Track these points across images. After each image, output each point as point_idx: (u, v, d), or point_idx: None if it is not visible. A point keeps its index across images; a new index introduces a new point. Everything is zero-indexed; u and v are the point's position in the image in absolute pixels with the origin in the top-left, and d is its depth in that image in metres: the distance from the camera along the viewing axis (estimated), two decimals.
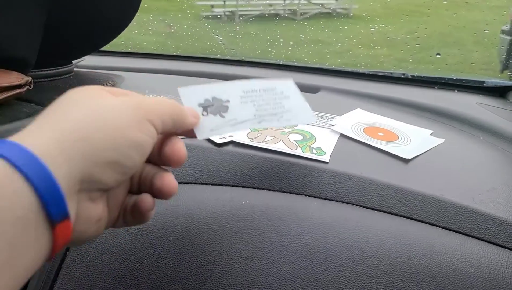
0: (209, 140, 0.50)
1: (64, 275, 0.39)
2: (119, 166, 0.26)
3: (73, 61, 0.75)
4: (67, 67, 0.72)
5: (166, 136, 0.31)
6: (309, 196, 0.45)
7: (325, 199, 0.45)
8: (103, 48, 0.77)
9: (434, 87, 0.87)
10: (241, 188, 0.46)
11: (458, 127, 0.70)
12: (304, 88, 0.82)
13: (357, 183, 0.46)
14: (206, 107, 0.38)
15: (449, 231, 0.42)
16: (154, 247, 0.40)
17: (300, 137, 0.54)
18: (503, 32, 1.01)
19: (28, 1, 0.55)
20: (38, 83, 0.63)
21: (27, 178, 0.21)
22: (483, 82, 0.86)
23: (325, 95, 0.81)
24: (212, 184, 0.46)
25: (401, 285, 0.36)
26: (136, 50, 1.14)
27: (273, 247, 0.39)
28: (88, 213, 0.26)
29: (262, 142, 0.51)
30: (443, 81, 0.88)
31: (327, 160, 0.49)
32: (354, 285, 0.37)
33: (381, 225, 0.42)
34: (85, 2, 0.65)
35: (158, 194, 0.30)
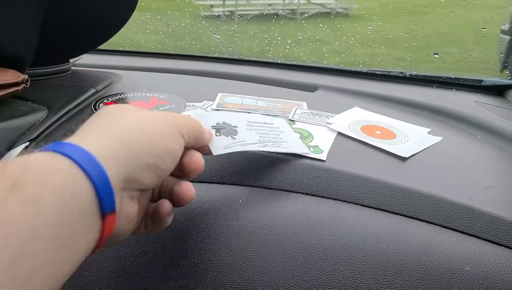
0: None
1: None
2: (157, 169, 0.30)
3: (71, 60, 0.75)
4: (64, 65, 0.72)
5: (185, 149, 0.34)
6: (306, 194, 0.45)
7: (322, 197, 0.45)
8: (100, 47, 0.77)
9: (432, 86, 0.87)
10: (237, 186, 0.46)
11: (455, 126, 0.70)
12: (302, 87, 0.83)
13: (354, 181, 0.46)
14: (218, 129, 0.44)
15: (446, 229, 0.42)
16: (150, 245, 0.40)
17: (297, 135, 0.54)
18: (502, 31, 1.01)
19: (24, 0, 0.55)
20: (35, 81, 0.63)
21: (88, 175, 0.24)
22: (481, 80, 0.86)
23: (323, 93, 0.81)
24: (208, 182, 0.46)
25: (398, 283, 0.36)
26: (134, 49, 1.14)
27: (269, 245, 0.39)
28: (127, 210, 0.29)
29: None
30: (441, 79, 0.88)
31: (324, 158, 0.49)
32: (351, 283, 0.36)
33: (378, 223, 0.41)
34: (83, 1, 0.64)
35: (178, 200, 0.34)
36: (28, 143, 0.50)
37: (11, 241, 0.20)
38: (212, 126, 0.44)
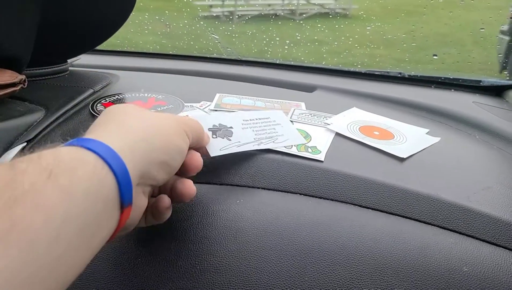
0: None
1: None
2: (168, 166, 0.33)
3: (68, 60, 0.74)
4: (62, 66, 0.72)
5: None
6: (303, 195, 0.45)
7: (320, 197, 0.44)
8: (98, 47, 0.77)
9: (431, 86, 0.87)
10: (235, 187, 0.45)
11: (454, 126, 0.70)
12: (300, 87, 0.83)
13: (352, 182, 0.46)
14: (215, 131, 0.47)
15: (444, 229, 0.42)
16: (147, 246, 0.39)
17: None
18: (502, 32, 1.01)
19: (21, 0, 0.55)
20: (32, 81, 0.63)
21: (111, 169, 0.26)
22: (480, 81, 0.86)
23: (321, 94, 0.81)
24: (206, 183, 0.46)
25: (396, 284, 0.36)
26: (132, 49, 1.14)
27: (267, 246, 0.39)
28: (139, 204, 0.32)
29: None
30: (439, 80, 0.88)
31: (322, 159, 0.49)
32: (348, 284, 0.36)
33: (375, 224, 0.41)
34: (81, 1, 0.64)
35: (179, 196, 0.36)
36: (25, 143, 0.50)
37: (49, 225, 0.22)
38: (208, 129, 0.46)
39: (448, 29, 1.11)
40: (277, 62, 1.02)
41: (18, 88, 0.56)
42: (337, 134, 0.56)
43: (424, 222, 0.42)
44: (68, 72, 0.73)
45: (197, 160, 0.37)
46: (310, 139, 0.53)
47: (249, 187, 0.45)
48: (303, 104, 0.67)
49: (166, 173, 0.33)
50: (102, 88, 0.67)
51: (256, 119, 0.53)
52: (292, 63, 1.01)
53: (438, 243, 0.40)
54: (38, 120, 0.54)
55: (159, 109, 0.59)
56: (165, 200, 0.36)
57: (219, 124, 0.48)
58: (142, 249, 0.39)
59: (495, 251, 0.40)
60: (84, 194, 0.24)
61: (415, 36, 1.04)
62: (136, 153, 0.29)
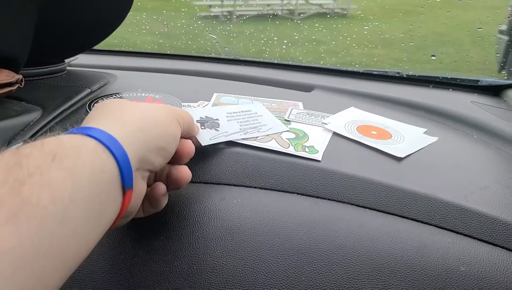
0: None
1: None
2: (164, 152, 0.35)
3: (66, 60, 0.74)
4: (59, 65, 0.71)
5: None
6: (301, 194, 0.45)
7: (317, 197, 0.44)
8: (96, 47, 0.76)
9: (429, 86, 0.87)
10: (232, 186, 0.45)
11: (452, 126, 0.70)
12: (298, 87, 0.83)
13: (349, 182, 0.45)
14: (202, 122, 0.50)
15: (441, 229, 0.42)
16: (144, 246, 0.39)
17: (292, 136, 0.54)
18: (500, 31, 1.01)
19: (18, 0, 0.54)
20: (29, 81, 0.63)
21: (112, 153, 0.28)
22: (478, 81, 0.86)
23: (319, 93, 0.80)
24: (203, 183, 0.46)
25: (393, 283, 0.36)
26: (130, 49, 1.14)
27: (264, 245, 0.39)
28: (139, 189, 0.33)
29: (255, 140, 0.51)
30: (437, 80, 0.88)
31: (320, 159, 0.49)
32: (345, 284, 0.36)
33: (373, 224, 0.41)
34: (78, 1, 0.64)
35: (175, 182, 0.38)
36: (22, 143, 0.50)
37: (57, 204, 0.23)
38: (196, 120, 0.48)
39: (446, 29, 1.12)
40: (275, 61, 1.01)
41: (15, 87, 0.56)
42: (335, 133, 0.56)
43: (422, 222, 0.42)
44: (65, 71, 0.73)
45: (190, 146, 0.39)
46: (308, 139, 0.53)
47: (246, 186, 0.45)
48: (300, 104, 0.67)
49: (163, 158, 0.35)
50: (99, 88, 0.67)
51: (239, 112, 0.56)
52: (290, 62, 1.01)
53: (436, 242, 0.40)
54: (35, 120, 0.54)
55: None
56: (161, 187, 0.37)
57: (206, 116, 0.51)
58: (138, 249, 0.39)
59: (493, 251, 0.40)
60: (88, 176, 0.25)
61: (413, 36, 1.04)
62: (134, 140, 0.31)
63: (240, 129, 0.52)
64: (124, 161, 0.29)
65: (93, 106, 0.58)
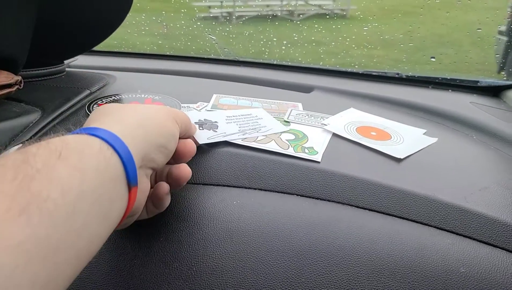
0: None
1: None
2: (165, 149, 0.36)
3: (65, 61, 0.74)
4: (58, 66, 0.71)
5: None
6: (300, 195, 0.45)
7: (317, 198, 0.44)
8: (95, 48, 0.76)
9: (428, 87, 0.87)
10: (232, 188, 0.45)
11: (451, 127, 0.70)
12: (297, 88, 0.83)
13: (349, 183, 0.45)
14: (201, 124, 0.51)
15: (441, 230, 0.42)
16: (144, 248, 0.39)
17: (292, 137, 0.53)
18: (500, 32, 1.01)
19: (17, 0, 0.54)
20: (28, 82, 0.63)
21: (116, 152, 0.29)
22: (477, 81, 0.86)
23: (319, 94, 0.80)
24: (203, 184, 0.46)
25: (393, 285, 0.36)
26: (129, 50, 1.14)
27: (263, 247, 0.38)
28: (143, 186, 0.34)
29: (254, 141, 0.51)
30: (437, 80, 0.88)
31: (319, 160, 0.48)
32: (345, 285, 0.36)
33: (372, 225, 0.41)
34: (77, 1, 0.64)
35: (176, 181, 0.38)
36: (21, 145, 0.50)
37: (66, 198, 0.23)
38: (195, 122, 0.48)
39: (445, 30, 1.12)
40: (275, 62, 1.01)
41: (14, 89, 0.55)
42: (334, 134, 0.56)
43: (421, 223, 0.42)
44: (64, 73, 0.73)
45: (191, 145, 0.40)
46: (307, 140, 0.53)
47: (245, 188, 0.45)
48: (300, 105, 0.67)
49: (164, 155, 0.36)
50: (98, 89, 0.67)
51: (239, 116, 0.56)
52: (289, 63, 1.01)
53: (435, 243, 0.40)
54: (34, 121, 0.54)
55: None
56: (164, 186, 0.38)
57: (204, 119, 0.53)
58: (138, 251, 0.39)
59: (492, 252, 0.40)
60: (94, 172, 0.26)
61: (413, 37, 1.04)
62: (135, 138, 0.32)
63: (239, 130, 0.52)
64: (128, 157, 0.29)
65: (92, 107, 0.58)
